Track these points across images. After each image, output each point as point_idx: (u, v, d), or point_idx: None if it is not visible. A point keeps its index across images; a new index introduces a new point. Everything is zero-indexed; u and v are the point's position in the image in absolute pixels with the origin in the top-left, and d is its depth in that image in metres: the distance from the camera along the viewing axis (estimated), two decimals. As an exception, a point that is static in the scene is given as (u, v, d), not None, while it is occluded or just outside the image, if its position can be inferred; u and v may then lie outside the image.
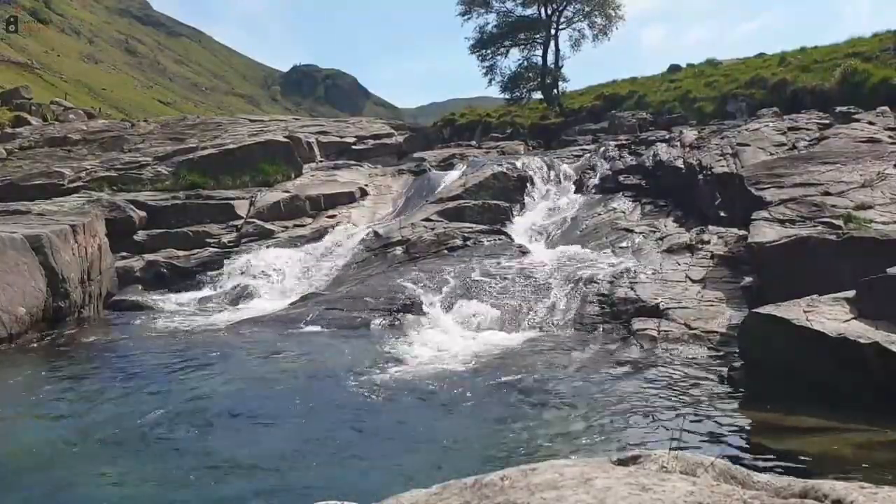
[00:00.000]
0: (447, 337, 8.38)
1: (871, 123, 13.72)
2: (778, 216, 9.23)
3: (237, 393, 6.34)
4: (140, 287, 12.22)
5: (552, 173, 15.47)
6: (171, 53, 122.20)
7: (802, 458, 4.25)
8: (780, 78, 19.55)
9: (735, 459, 3.81)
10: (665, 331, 7.79)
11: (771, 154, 12.66)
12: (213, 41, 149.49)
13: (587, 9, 27.74)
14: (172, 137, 19.22)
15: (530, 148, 20.29)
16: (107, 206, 13.83)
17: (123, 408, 5.88)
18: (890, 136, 12.70)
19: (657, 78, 25.55)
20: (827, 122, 14.50)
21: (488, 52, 28.33)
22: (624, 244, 11.16)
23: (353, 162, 19.13)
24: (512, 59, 28.53)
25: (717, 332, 7.62)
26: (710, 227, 10.80)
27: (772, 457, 4.39)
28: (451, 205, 14.05)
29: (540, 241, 12.80)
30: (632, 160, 15.33)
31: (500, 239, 12.22)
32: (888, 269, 5.63)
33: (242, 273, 12.42)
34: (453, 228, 12.74)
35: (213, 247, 13.66)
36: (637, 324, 8.09)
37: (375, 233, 13.20)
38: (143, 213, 14.10)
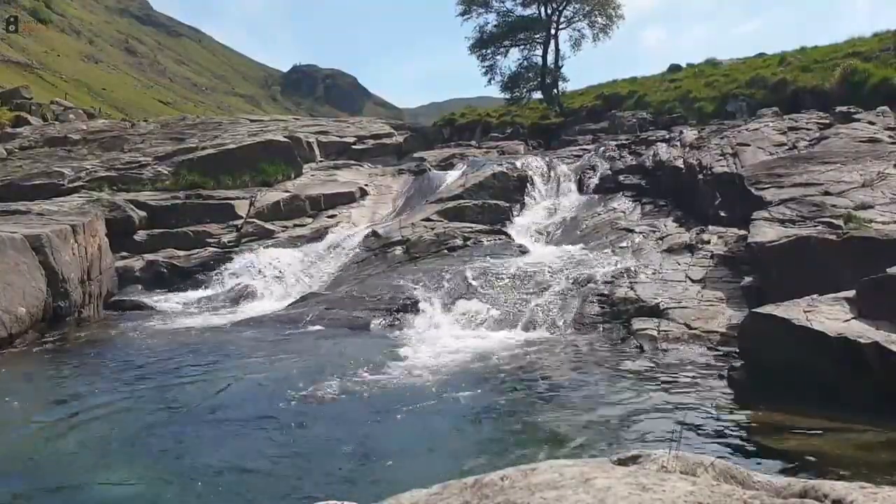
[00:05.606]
0: (447, 337, 8.38)
1: (871, 123, 13.72)
2: (778, 216, 9.23)
3: (237, 393, 6.35)
4: (140, 287, 12.23)
5: (552, 173, 15.47)
6: (171, 53, 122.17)
7: (802, 458, 4.24)
8: (780, 78, 19.55)
9: (735, 459, 3.81)
10: (665, 331, 7.78)
11: (771, 154, 12.66)
12: (213, 41, 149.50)
13: (587, 8, 27.75)
14: (172, 137, 19.23)
15: (530, 148, 20.29)
16: (107, 206, 13.84)
17: (123, 408, 5.89)
18: (890, 136, 12.70)
19: (657, 78, 25.55)
20: (827, 121, 14.50)
21: (488, 51, 28.34)
22: (624, 244, 11.16)
23: (353, 162, 19.14)
24: (512, 59, 28.63)
25: (717, 332, 7.61)
26: (710, 227, 10.79)
27: (772, 457, 4.38)
28: (451, 205, 14.07)
29: (540, 240, 12.81)
30: (632, 160, 15.34)
31: (500, 239, 12.22)
32: (888, 269, 5.62)
33: (243, 273, 12.42)
34: (453, 228, 12.74)
35: (214, 247, 13.67)
36: (637, 323, 8.08)
37: (375, 233, 13.20)
38: (143, 213, 14.11)
